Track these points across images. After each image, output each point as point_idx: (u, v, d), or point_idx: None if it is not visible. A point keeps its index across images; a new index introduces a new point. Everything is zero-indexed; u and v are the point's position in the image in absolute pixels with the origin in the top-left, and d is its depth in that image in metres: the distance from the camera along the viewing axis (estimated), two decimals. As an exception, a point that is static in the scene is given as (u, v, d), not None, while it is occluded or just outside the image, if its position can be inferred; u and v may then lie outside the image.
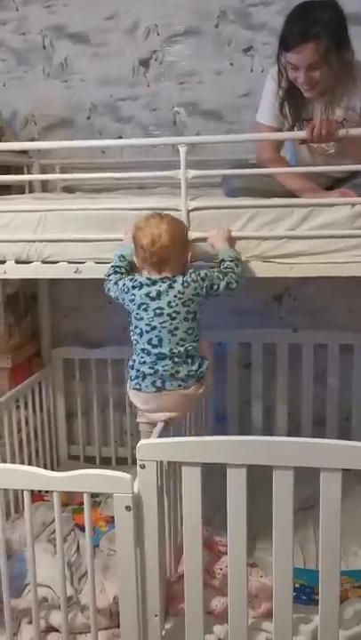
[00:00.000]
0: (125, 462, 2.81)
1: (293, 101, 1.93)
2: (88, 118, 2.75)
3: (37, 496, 2.32)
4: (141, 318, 1.74)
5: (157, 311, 1.72)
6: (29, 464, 2.45)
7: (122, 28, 2.67)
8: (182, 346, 1.73)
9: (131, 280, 1.78)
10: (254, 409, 2.74)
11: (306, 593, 1.76)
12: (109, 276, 1.84)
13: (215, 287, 1.75)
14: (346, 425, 2.71)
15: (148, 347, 1.74)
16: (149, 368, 1.74)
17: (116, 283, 1.82)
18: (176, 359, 1.73)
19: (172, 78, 2.67)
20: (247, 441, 1.47)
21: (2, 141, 2.49)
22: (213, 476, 1.51)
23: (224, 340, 2.73)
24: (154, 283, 1.74)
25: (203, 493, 1.48)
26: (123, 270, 1.83)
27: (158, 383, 1.74)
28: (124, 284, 1.79)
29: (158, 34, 2.66)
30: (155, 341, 1.73)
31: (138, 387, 1.77)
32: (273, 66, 1.97)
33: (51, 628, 1.73)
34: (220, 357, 2.73)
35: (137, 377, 1.77)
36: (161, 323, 1.72)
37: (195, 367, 1.76)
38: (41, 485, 1.55)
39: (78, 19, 2.69)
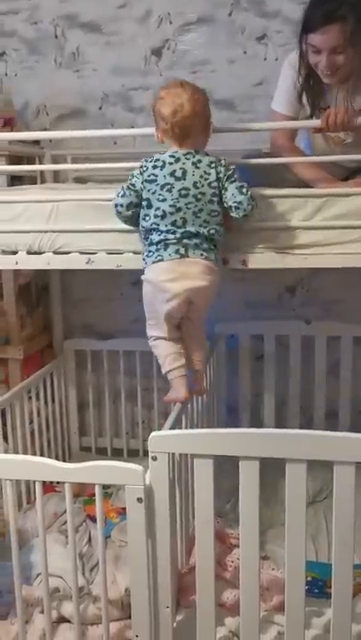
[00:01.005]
0: (137, 454, 2.81)
1: (312, 90, 1.89)
2: (100, 108, 2.73)
3: (49, 487, 2.33)
4: (164, 199, 1.68)
5: (183, 192, 1.67)
6: (41, 455, 2.45)
7: (134, 16, 2.65)
8: (205, 228, 1.68)
9: (148, 160, 1.71)
10: (266, 401, 2.73)
11: (318, 586, 1.75)
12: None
13: (232, 180, 1.69)
14: (359, 418, 2.69)
15: (173, 227, 1.68)
16: (173, 239, 1.68)
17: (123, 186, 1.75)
18: (200, 238, 1.69)
19: (184, 67, 2.64)
20: (260, 434, 1.45)
21: (13, 132, 2.49)
22: (225, 467, 1.50)
23: (236, 332, 2.72)
24: (177, 160, 1.68)
25: (214, 485, 1.47)
26: None
27: (182, 251, 1.68)
28: (141, 167, 1.72)
29: (171, 22, 2.63)
30: (179, 223, 1.68)
31: (160, 257, 1.69)
32: (289, 53, 1.94)
33: (62, 619, 1.73)
34: (232, 349, 2.72)
35: (158, 249, 1.70)
36: (186, 204, 1.67)
37: (215, 248, 1.72)
38: (53, 476, 1.54)
39: (90, 7, 2.67)
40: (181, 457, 1.67)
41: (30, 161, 2.58)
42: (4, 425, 2.24)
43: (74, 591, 1.58)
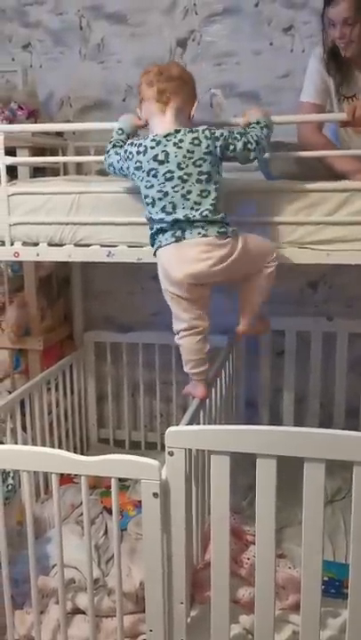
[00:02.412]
0: (155, 447, 2.81)
1: (335, 63, 1.93)
2: (124, 100, 2.72)
3: (66, 478, 2.34)
4: (152, 186, 1.65)
5: (167, 175, 1.63)
6: (59, 446, 2.47)
7: (160, 7, 2.63)
8: (197, 210, 1.63)
9: (133, 145, 1.69)
10: (286, 398, 2.70)
11: (335, 586, 1.74)
12: (109, 151, 1.77)
13: (231, 147, 1.66)
14: (380, 417, 2.66)
15: (163, 214, 1.65)
16: (167, 225, 1.65)
17: (117, 153, 1.74)
18: (192, 224, 1.64)
19: (209, 59, 2.62)
20: (278, 431, 1.43)
21: (37, 123, 2.49)
22: (242, 463, 1.48)
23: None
24: (158, 143, 1.65)
25: (231, 481, 1.45)
26: (122, 144, 1.76)
27: (178, 234, 1.65)
28: (126, 151, 1.70)
29: (196, 13, 2.61)
30: (168, 208, 1.64)
31: (159, 244, 1.68)
32: (316, 45, 1.92)
33: (77, 610, 1.74)
34: (253, 345, 2.70)
35: (157, 237, 1.68)
36: (173, 187, 1.63)
37: (216, 222, 1.65)
38: (69, 469, 1.54)
39: (116, -2, 2.66)
40: (198, 452, 1.66)
41: (53, 153, 2.58)
42: (23, 415, 2.25)
43: (89, 583, 1.58)
